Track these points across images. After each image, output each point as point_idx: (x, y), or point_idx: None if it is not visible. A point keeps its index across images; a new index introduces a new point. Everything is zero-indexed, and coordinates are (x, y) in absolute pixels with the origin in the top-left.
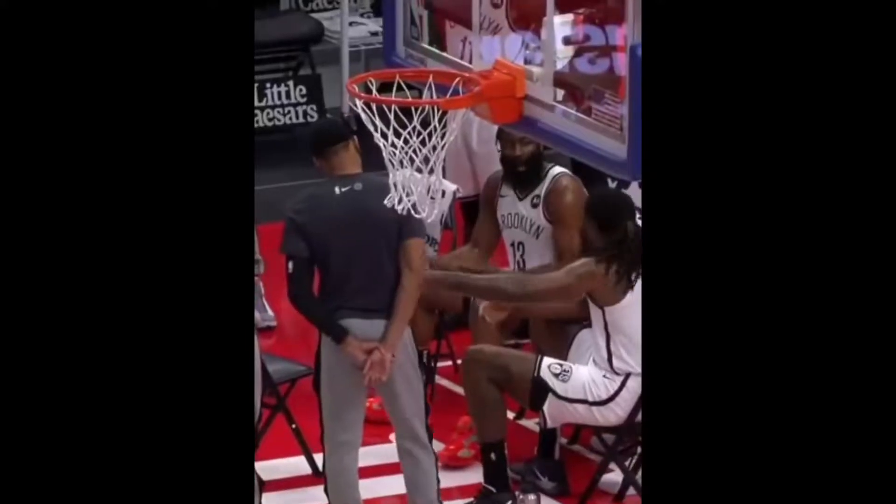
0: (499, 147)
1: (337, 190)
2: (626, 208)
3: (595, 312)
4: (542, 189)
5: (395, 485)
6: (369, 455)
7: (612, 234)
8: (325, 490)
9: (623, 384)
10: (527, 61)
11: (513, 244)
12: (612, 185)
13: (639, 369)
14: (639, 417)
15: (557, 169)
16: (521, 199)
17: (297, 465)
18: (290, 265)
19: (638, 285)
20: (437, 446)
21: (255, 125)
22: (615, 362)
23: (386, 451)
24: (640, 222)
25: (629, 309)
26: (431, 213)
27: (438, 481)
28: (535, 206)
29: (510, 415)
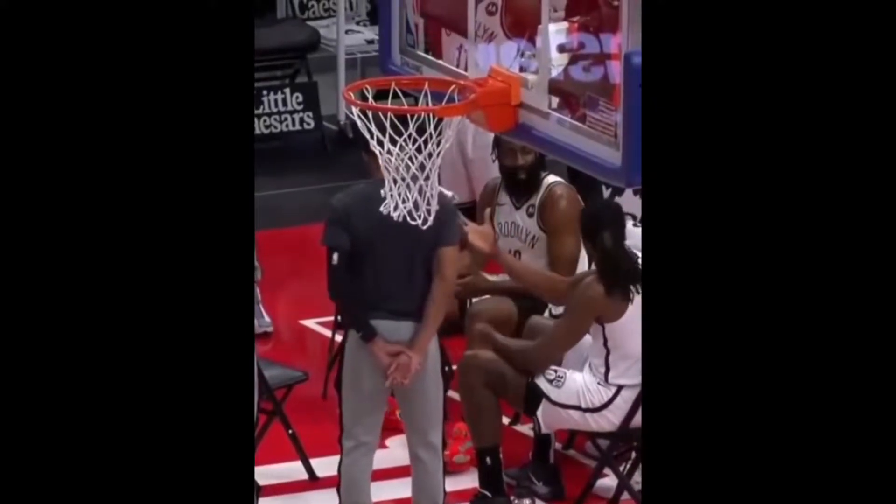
0: (494, 156)
1: (382, 192)
2: (602, 220)
3: (594, 328)
4: (536, 198)
5: (394, 489)
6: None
7: (594, 246)
8: (338, 490)
9: (617, 393)
10: (522, 69)
11: (509, 252)
12: (606, 192)
13: (633, 382)
14: (633, 423)
15: (552, 178)
16: (517, 209)
17: (293, 469)
18: (335, 257)
19: (636, 301)
20: None
21: None
22: (611, 375)
23: (384, 456)
24: (631, 231)
25: (629, 325)
26: (427, 221)
27: (445, 491)
28: (530, 215)
29: (505, 420)
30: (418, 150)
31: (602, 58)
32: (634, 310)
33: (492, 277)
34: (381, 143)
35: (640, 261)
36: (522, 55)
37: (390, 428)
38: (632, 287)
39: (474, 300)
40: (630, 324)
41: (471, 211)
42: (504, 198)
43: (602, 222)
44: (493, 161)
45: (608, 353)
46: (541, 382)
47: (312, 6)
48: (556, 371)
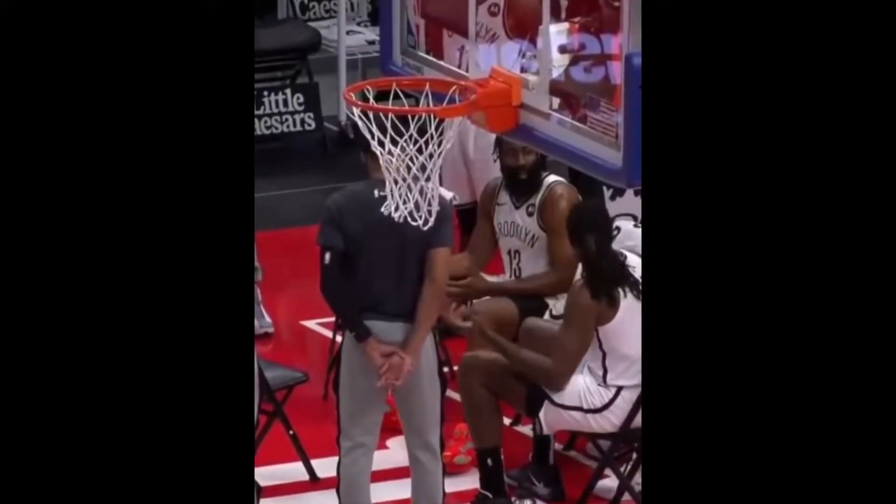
0: (496, 156)
1: (376, 193)
2: (587, 223)
3: None
4: (537, 198)
5: (394, 490)
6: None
7: (578, 250)
8: (337, 490)
9: (617, 394)
10: (523, 70)
11: (509, 252)
12: (607, 193)
13: (632, 383)
14: (634, 424)
15: (552, 178)
16: (517, 208)
17: (294, 470)
18: (327, 256)
19: (626, 302)
20: None
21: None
22: (610, 377)
23: (385, 457)
24: (633, 231)
25: (622, 327)
26: (428, 222)
27: (444, 491)
28: (530, 214)
29: (506, 421)
30: (419, 150)
31: (603, 59)
32: (627, 311)
33: (491, 278)
34: (381, 144)
35: (633, 262)
36: (523, 56)
37: (391, 429)
38: (620, 290)
39: (474, 301)
40: (623, 325)
41: (471, 212)
42: (504, 197)
43: (587, 226)
44: (495, 161)
45: (604, 355)
46: None
47: (313, 7)
48: None
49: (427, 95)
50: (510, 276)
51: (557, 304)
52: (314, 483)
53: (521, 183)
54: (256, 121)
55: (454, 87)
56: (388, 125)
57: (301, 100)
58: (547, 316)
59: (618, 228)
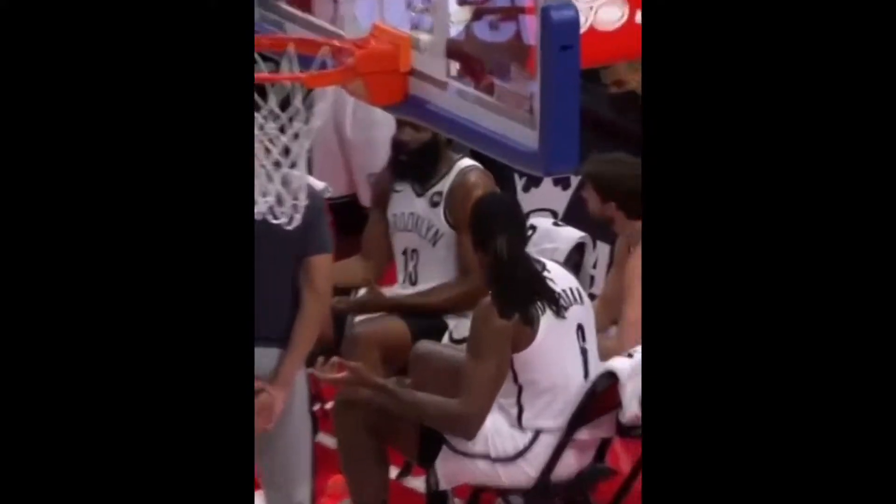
0: None
1: None
2: (496, 221)
3: None
4: (445, 185)
5: None
6: None
7: (484, 254)
8: None
9: (535, 438)
10: (413, 26)
11: (405, 252)
12: (519, 182)
13: (554, 424)
14: (556, 476)
15: (466, 162)
16: (418, 196)
17: None
18: None
19: (546, 322)
20: None
21: None
22: (526, 416)
23: None
24: (552, 231)
25: (540, 353)
26: (294, 219)
27: None
28: (435, 204)
29: (392, 472)
30: (281, 129)
31: (513, 12)
32: (548, 333)
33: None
34: None
35: (554, 271)
36: (414, 9)
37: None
38: (538, 306)
39: (356, 320)
40: (543, 351)
41: (349, 206)
42: (402, 183)
43: (494, 225)
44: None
45: (520, 390)
46: None
47: None
48: None
49: (291, 59)
50: (404, 281)
51: (459, 325)
52: None
53: (400, 164)
54: None
55: (325, 49)
56: None
57: None
58: (445, 339)
59: (533, 227)
